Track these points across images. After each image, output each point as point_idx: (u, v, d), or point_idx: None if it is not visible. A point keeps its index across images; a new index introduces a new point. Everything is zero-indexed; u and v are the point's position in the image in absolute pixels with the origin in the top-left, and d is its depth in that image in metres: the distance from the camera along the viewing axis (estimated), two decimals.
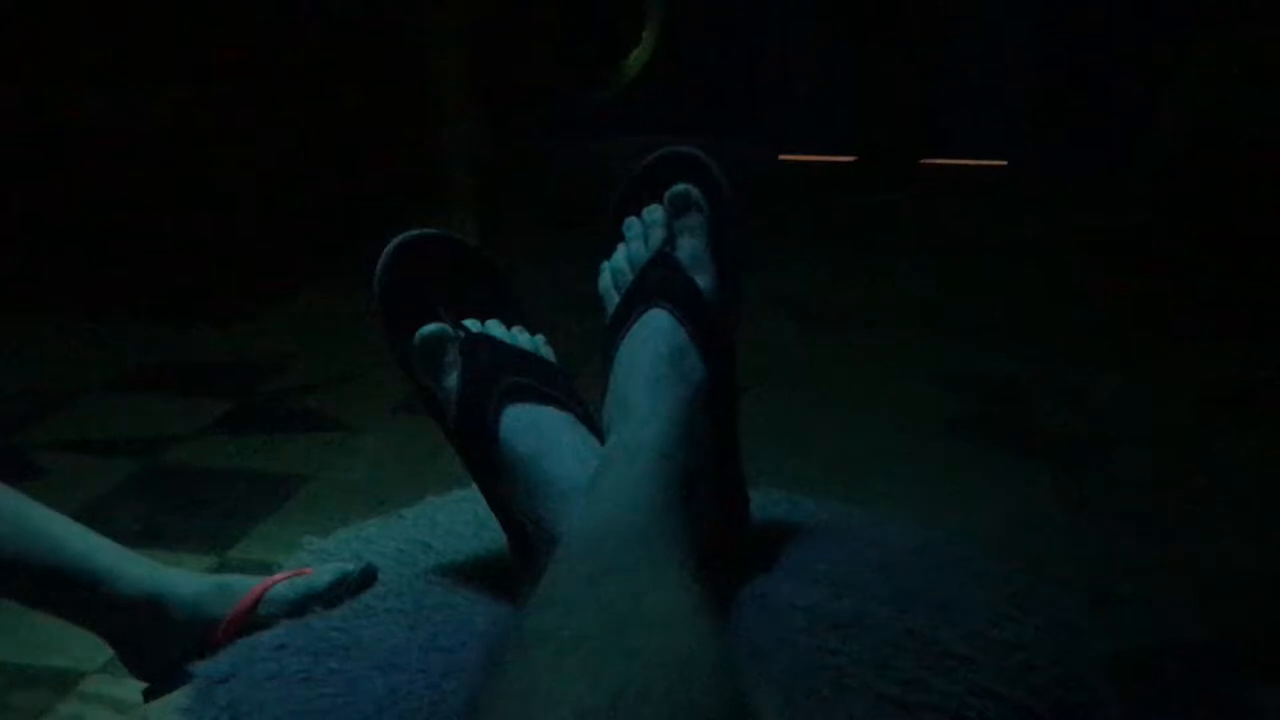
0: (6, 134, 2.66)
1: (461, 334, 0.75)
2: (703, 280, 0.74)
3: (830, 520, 0.83)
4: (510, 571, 0.75)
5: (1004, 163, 4.33)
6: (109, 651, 0.77)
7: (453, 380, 0.73)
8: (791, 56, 4.33)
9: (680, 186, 0.76)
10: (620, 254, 0.78)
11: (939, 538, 0.81)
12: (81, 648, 1.38)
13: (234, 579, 0.76)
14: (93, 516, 0.76)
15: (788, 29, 4.22)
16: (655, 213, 0.77)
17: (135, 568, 0.73)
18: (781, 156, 4.55)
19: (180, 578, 0.74)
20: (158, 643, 0.74)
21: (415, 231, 0.77)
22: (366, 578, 0.76)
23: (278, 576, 0.75)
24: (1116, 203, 3.33)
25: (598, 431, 0.73)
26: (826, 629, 0.67)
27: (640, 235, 0.77)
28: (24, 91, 2.66)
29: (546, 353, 0.78)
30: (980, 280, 3.09)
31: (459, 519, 0.86)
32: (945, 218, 3.78)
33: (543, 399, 0.73)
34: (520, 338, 0.77)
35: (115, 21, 2.65)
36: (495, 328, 0.77)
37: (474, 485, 0.75)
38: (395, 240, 0.76)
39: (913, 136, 4.07)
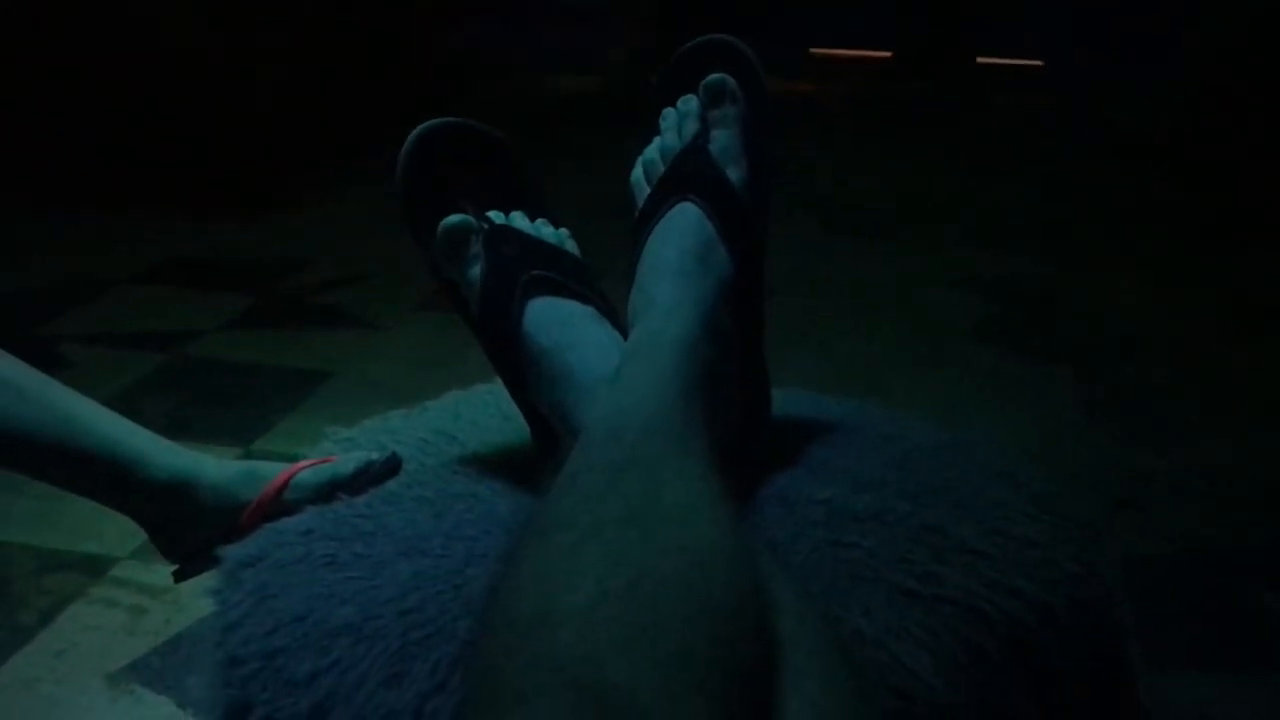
0: (37, 35, 2.65)
1: (485, 225, 0.74)
2: (734, 173, 0.72)
3: (850, 419, 0.83)
4: (533, 462, 0.75)
5: (1040, 63, 4.22)
6: (140, 537, 0.79)
7: (476, 272, 0.72)
8: None
9: (716, 76, 0.74)
10: (653, 145, 0.76)
11: (958, 438, 0.81)
12: (113, 533, 1.41)
13: (262, 465, 0.76)
14: (118, 409, 0.76)
15: None
16: (690, 103, 0.75)
17: (165, 452, 0.74)
18: (813, 50, 4.44)
19: (209, 463, 0.75)
20: (187, 526, 0.75)
21: (438, 120, 0.75)
22: (391, 466, 0.77)
23: (304, 463, 0.76)
24: (1155, 107, 3.26)
25: (621, 326, 0.72)
26: (844, 523, 0.68)
27: (674, 126, 0.75)
28: None
29: (571, 246, 0.77)
30: (1012, 184, 3.05)
31: (483, 411, 0.86)
32: (979, 118, 3.71)
33: (566, 292, 0.72)
34: (544, 230, 0.77)
35: None
36: (519, 219, 0.76)
37: (498, 378, 0.75)
38: (418, 128, 0.75)
39: (959, 32, 3.93)
